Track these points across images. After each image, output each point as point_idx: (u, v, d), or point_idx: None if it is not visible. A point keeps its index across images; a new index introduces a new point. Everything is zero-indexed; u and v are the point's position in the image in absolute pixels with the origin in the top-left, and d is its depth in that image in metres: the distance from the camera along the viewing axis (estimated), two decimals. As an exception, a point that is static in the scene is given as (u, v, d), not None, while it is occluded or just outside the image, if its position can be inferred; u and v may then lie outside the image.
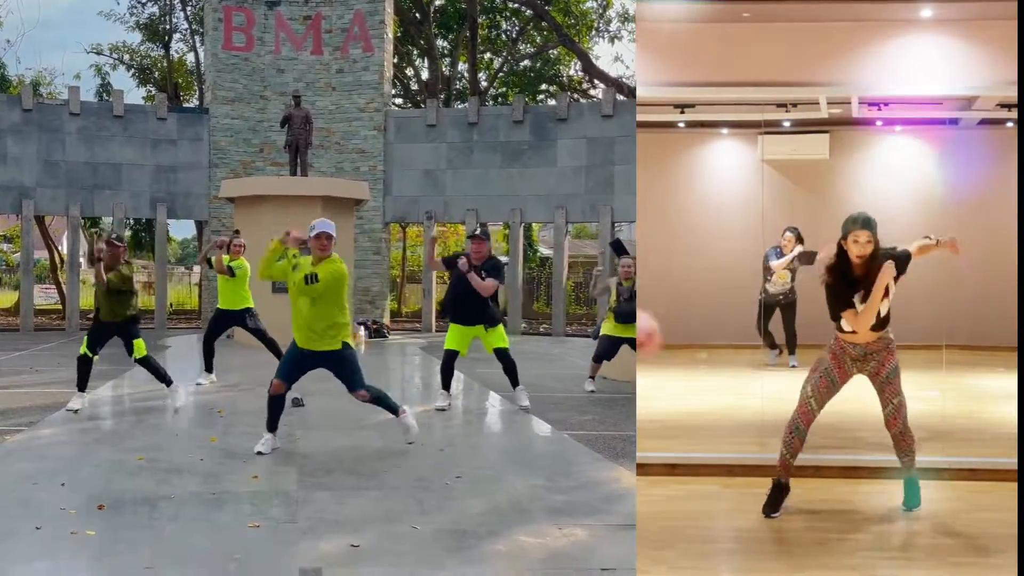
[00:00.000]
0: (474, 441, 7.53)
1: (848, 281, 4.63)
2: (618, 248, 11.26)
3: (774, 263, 8.29)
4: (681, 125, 7.44)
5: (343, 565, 4.06)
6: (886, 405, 4.83)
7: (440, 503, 5.22)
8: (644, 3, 6.05)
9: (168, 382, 8.60)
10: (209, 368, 10.47)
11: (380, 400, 6.68)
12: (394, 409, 6.74)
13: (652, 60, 6.01)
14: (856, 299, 4.62)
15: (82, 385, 8.40)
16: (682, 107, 6.84)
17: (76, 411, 8.20)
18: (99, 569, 3.96)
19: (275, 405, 6.60)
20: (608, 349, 10.15)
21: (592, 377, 10.38)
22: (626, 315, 9.74)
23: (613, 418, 8.51)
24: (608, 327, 10.17)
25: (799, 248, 8.21)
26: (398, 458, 6.41)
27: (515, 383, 8.81)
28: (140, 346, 8.44)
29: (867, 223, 4.55)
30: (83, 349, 8.38)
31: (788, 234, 8.20)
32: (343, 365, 6.54)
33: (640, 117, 7.17)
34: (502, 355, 8.63)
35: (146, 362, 8.51)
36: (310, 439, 6.85)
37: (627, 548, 4.37)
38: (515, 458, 6.78)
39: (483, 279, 8.31)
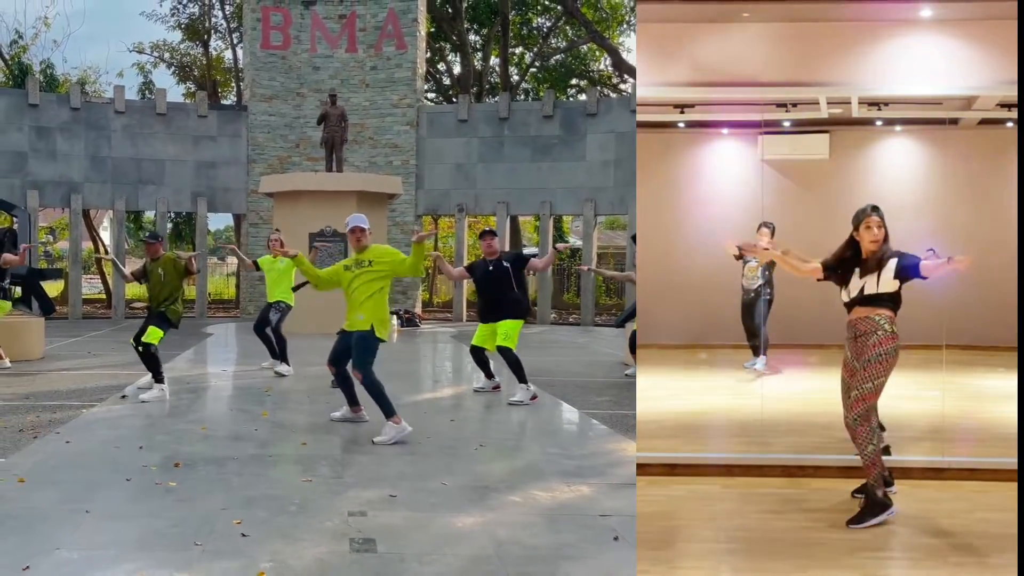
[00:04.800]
0: (498, 418, 8.28)
1: (848, 263, 4.83)
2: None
3: (752, 263, 8.39)
4: (681, 125, 7.49)
5: (384, 510, 4.84)
6: (853, 389, 4.75)
7: (466, 466, 5.99)
8: (644, 3, 6.16)
9: (159, 380, 8.61)
10: (282, 358, 10.69)
11: (375, 393, 6.84)
12: (388, 412, 6.82)
13: (652, 60, 6.17)
14: (855, 276, 4.78)
15: (157, 376, 8.62)
16: (682, 107, 6.89)
17: (126, 396, 8.54)
18: (185, 508, 4.78)
19: (341, 383, 7.33)
20: None
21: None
22: None
23: (627, 399, 9.24)
24: None
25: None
26: (429, 431, 7.17)
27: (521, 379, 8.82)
28: (153, 334, 8.46)
29: (876, 209, 4.83)
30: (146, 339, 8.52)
31: (764, 229, 7.95)
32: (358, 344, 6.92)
33: (640, 117, 7.21)
34: (502, 351, 8.81)
35: (146, 351, 8.47)
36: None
37: (624, 502, 5.10)
38: (535, 431, 7.56)
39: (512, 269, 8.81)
